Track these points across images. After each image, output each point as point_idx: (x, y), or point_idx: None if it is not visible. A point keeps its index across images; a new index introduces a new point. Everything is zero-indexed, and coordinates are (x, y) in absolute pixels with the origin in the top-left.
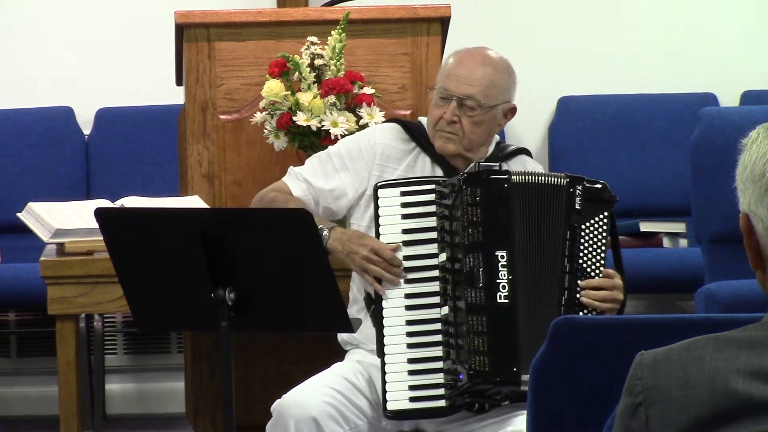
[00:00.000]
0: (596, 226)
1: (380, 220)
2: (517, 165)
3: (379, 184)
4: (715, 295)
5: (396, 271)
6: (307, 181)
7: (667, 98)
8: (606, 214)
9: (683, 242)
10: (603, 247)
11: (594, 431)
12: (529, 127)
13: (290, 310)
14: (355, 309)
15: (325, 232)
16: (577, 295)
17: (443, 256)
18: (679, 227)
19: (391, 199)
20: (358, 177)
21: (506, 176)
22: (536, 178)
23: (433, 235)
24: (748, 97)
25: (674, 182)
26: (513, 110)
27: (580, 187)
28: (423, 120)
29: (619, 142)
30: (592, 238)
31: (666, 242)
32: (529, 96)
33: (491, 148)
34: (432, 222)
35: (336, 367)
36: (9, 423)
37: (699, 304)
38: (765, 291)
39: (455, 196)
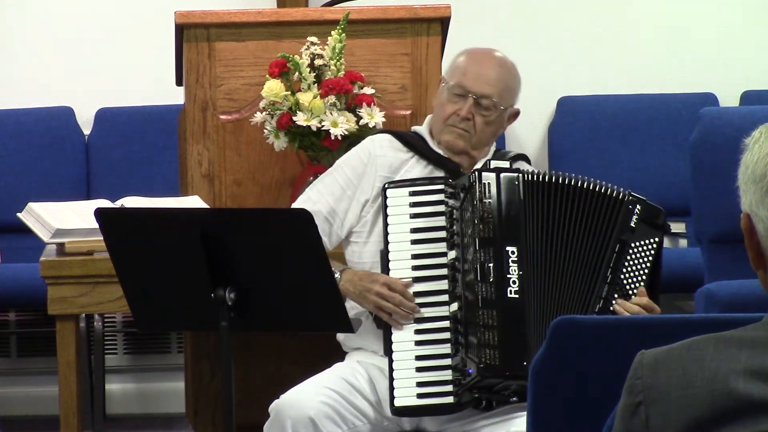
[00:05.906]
0: (645, 248)
1: (389, 220)
2: None
3: (387, 185)
4: (715, 295)
5: (410, 306)
6: (319, 211)
7: (667, 98)
8: (657, 239)
9: (683, 242)
10: (646, 270)
11: (594, 431)
12: (529, 127)
13: (290, 310)
14: (354, 311)
15: (337, 274)
16: (611, 307)
17: (452, 254)
18: (679, 227)
19: (399, 198)
20: (362, 190)
21: (517, 173)
22: (583, 183)
23: (442, 234)
24: (748, 97)
25: (674, 182)
26: (516, 115)
27: (639, 206)
28: (417, 128)
29: (619, 142)
30: (637, 258)
31: (666, 242)
32: (529, 96)
33: (490, 155)
34: (440, 221)
35: (336, 368)
36: (9, 423)
37: (699, 304)
38: (767, 290)
39: (466, 193)
